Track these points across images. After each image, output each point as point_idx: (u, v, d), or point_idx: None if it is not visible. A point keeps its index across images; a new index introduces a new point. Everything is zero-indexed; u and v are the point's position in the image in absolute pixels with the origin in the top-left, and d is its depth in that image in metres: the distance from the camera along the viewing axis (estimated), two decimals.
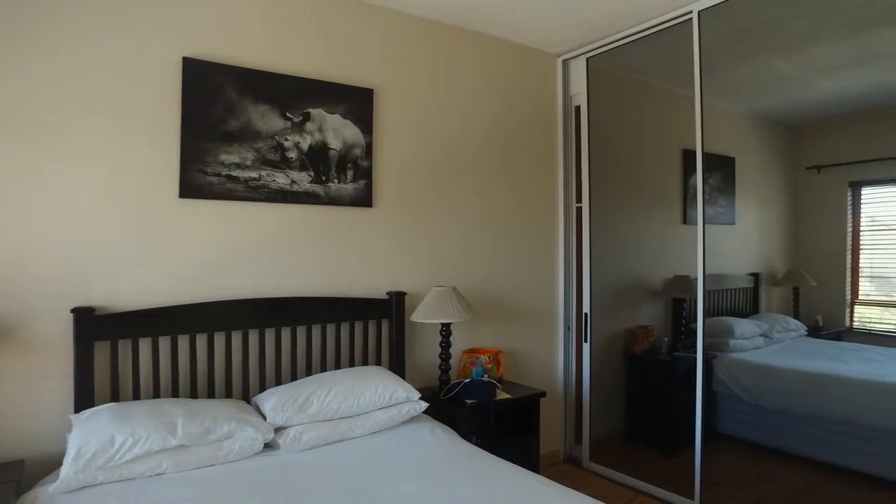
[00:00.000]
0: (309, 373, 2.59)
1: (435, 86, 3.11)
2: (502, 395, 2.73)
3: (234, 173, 2.46)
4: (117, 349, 2.17)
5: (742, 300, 3.57)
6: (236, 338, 2.45)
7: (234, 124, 2.46)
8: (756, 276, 3.59)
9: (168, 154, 2.32)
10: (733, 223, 3.56)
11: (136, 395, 2.22)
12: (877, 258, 3.30)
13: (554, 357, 3.67)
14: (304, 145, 2.65)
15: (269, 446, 2.12)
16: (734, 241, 3.56)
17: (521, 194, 3.49)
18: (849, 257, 3.37)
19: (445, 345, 2.81)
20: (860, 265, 3.35)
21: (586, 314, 3.54)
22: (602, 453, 3.50)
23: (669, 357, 3.53)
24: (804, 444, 3.07)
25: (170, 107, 2.32)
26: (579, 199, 3.62)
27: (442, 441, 2.27)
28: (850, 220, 3.35)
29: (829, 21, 2.87)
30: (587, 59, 3.52)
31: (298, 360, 2.60)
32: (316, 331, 2.66)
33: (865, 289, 3.36)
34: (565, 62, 3.65)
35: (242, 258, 2.50)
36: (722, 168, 3.52)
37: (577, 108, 3.63)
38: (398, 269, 2.94)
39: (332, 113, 2.72)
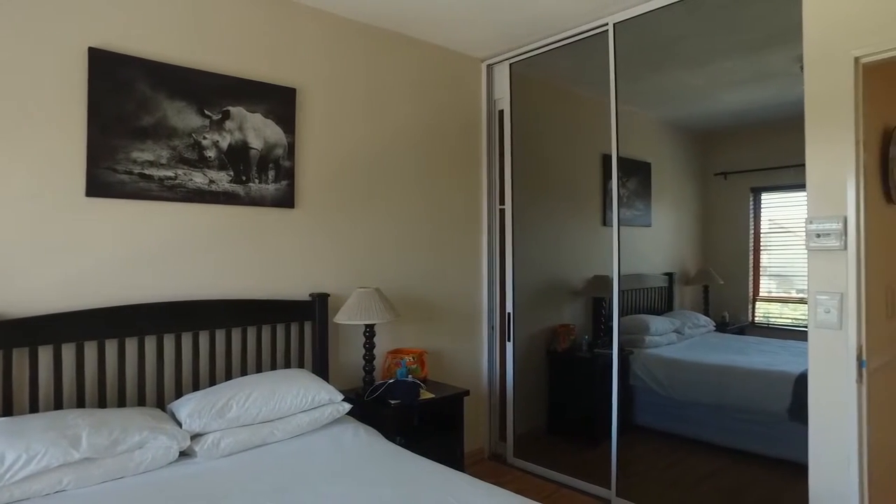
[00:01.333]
0: (229, 378, 2.51)
1: (360, 87, 3.10)
2: (426, 395, 2.76)
3: (147, 171, 2.35)
4: (11, 359, 2.02)
5: (657, 298, 3.77)
6: (150, 343, 2.34)
7: (147, 120, 2.35)
8: (670, 275, 3.80)
9: (73, 150, 2.19)
10: (649, 225, 3.76)
11: (35, 409, 2.07)
12: (775, 258, 3.59)
13: (478, 356, 3.73)
14: (224, 144, 2.57)
15: (185, 454, 2.04)
16: (650, 243, 3.76)
17: (445, 196, 3.53)
18: (751, 257, 3.64)
19: (369, 346, 2.80)
20: (761, 264, 3.63)
21: (509, 314, 3.63)
22: (526, 449, 3.60)
23: (590, 354, 3.69)
24: (710, 432, 3.28)
25: (74, 100, 2.19)
26: (503, 201, 3.71)
27: (365, 442, 2.27)
28: (752, 223, 3.62)
29: (727, 40, 3.09)
30: (510, 64, 3.61)
31: (218, 364, 2.52)
32: (236, 334, 2.58)
33: (766, 286, 3.64)
34: (489, 67, 3.73)
35: (157, 260, 2.40)
36: (639, 172, 3.70)
37: (501, 112, 3.71)
38: (321, 271, 2.91)
39: (252, 112, 2.65)
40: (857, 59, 1.96)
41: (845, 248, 1.99)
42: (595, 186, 3.69)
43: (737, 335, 3.68)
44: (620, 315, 3.09)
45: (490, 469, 3.49)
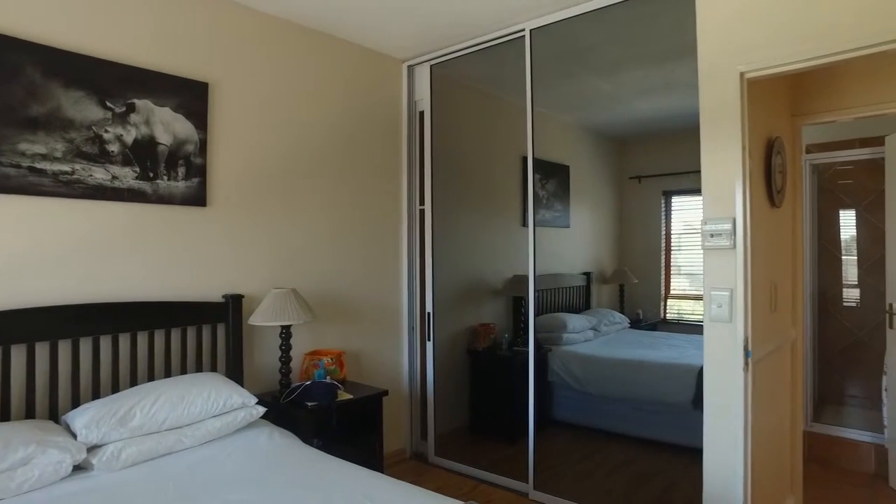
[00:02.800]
0: (134, 385, 2.38)
1: (278, 84, 3.02)
2: (344, 396, 2.73)
3: (39, 165, 2.19)
4: None
5: (575, 297, 3.91)
6: (42, 350, 2.18)
7: (37, 110, 2.19)
8: (588, 274, 3.95)
9: None
10: (568, 226, 3.89)
11: None
12: (685, 257, 3.82)
13: (398, 357, 3.73)
14: (128, 138, 2.44)
15: (80, 468, 1.90)
16: (569, 243, 3.89)
17: (365, 195, 3.50)
18: (663, 256, 3.85)
19: (286, 348, 2.74)
20: (672, 263, 3.85)
21: (429, 313, 3.65)
22: (447, 447, 3.63)
23: (510, 352, 3.77)
24: (623, 424, 3.44)
25: None
26: (423, 202, 3.72)
27: (280, 446, 2.22)
28: (664, 224, 3.83)
29: (637, 50, 3.26)
30: (431, 66, 3.63)
31: (121, 371, 2.37)
32: (142, 338, 2.45)
33: (679, 284, 3.86)
34: (410, 68, 3.73)
35: (52, 260, 2.23)
36: (557, 175, 3.83)
37: (422, 114, 3.72)
38: (236, 272, 2.82)
39: (161, 105, 2.53)
40: (742, 74, 2.12)
41: (734, 247, 2.15)
42: (515, 188, 3.78)
43: (649, 331, 3.88)
44: (539, 314, 3.18)
45: (411, 468, 3.50)
